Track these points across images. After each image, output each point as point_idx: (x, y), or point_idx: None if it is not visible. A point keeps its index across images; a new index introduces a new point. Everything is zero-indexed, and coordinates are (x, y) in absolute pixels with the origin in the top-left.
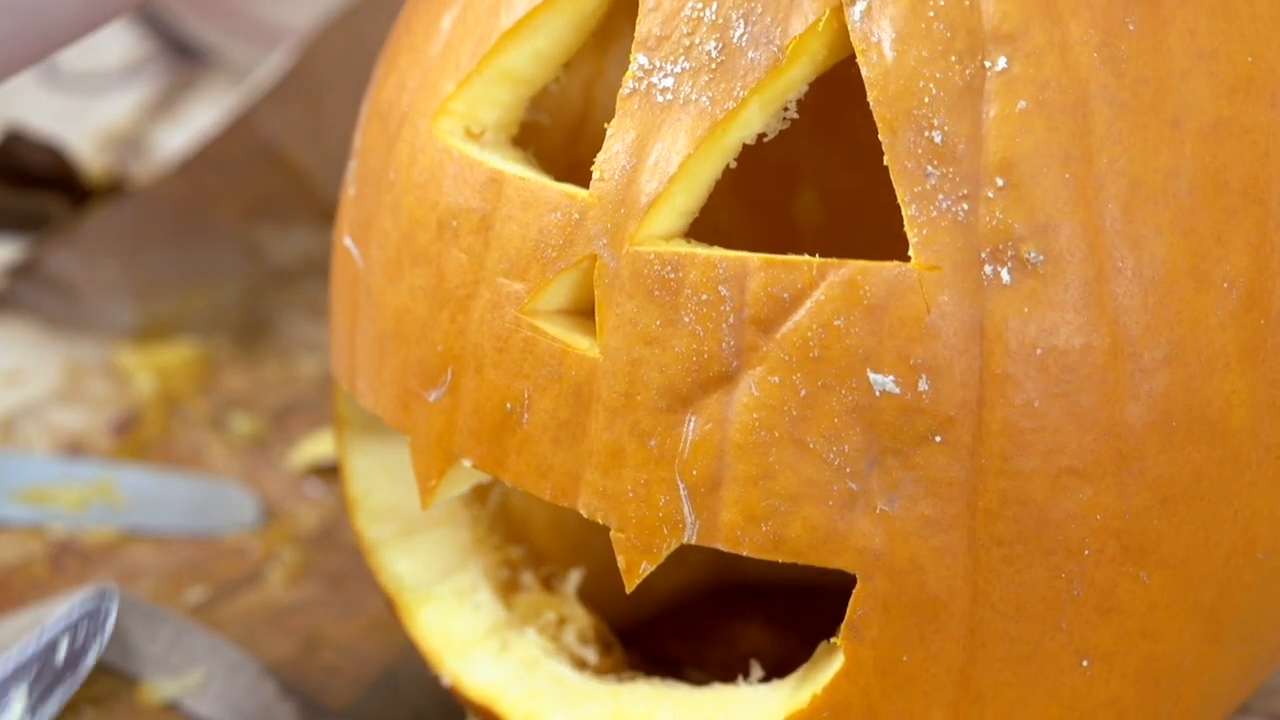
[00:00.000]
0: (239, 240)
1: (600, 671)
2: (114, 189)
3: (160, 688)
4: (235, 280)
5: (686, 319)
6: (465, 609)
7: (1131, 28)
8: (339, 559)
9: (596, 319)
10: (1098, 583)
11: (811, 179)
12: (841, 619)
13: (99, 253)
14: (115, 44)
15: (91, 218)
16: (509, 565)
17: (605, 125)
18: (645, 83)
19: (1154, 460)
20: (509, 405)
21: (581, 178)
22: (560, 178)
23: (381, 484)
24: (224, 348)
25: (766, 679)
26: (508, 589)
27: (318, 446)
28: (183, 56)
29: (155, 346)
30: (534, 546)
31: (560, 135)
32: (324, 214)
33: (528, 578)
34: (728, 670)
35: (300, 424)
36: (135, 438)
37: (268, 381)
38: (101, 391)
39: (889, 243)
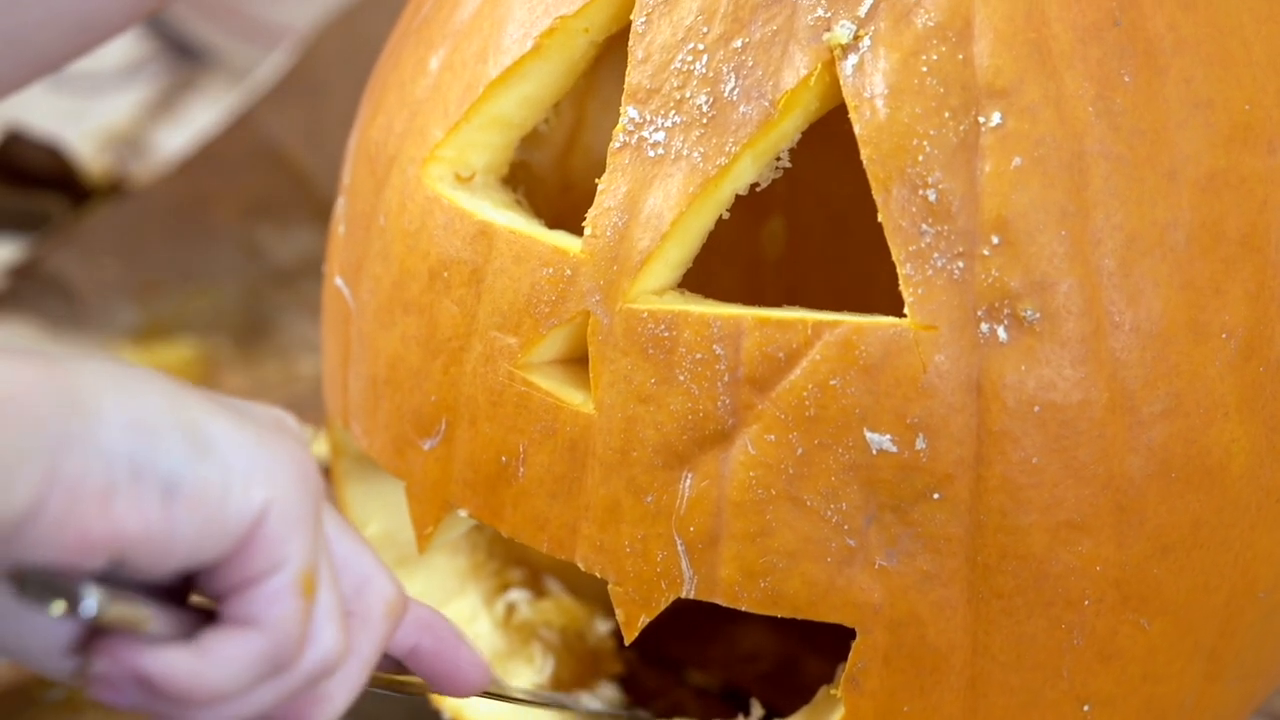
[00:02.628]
0: (239, 240)
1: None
2: (114, 189)
3: None
4: (235, 280)
5: (681, 377)
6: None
7: (1127, 79)
8: None
9: (591, 374)
10: (1098, 631)
11: (782, 207)
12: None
13: (99, 253)
14: (115, 44)
15: (91, 218)
16: (507, 588)
17: (596, 180)
18: (636, 136)
19: (1153, 511)
20: (504, 458)
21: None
22: (553, 207)
23: (377, 512)
24: (224, 348)
25: (767, 717)
26: (507, 615)
27: (318, 446)
28: (183, 56)
29: (155, 346)
30: (534, 565)
31: (550, 170)
32: (324, 214)
33: (523, 605)
34: (728, 669)
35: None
36: None
37: (268, 381)
38: None
39: (862, 270)
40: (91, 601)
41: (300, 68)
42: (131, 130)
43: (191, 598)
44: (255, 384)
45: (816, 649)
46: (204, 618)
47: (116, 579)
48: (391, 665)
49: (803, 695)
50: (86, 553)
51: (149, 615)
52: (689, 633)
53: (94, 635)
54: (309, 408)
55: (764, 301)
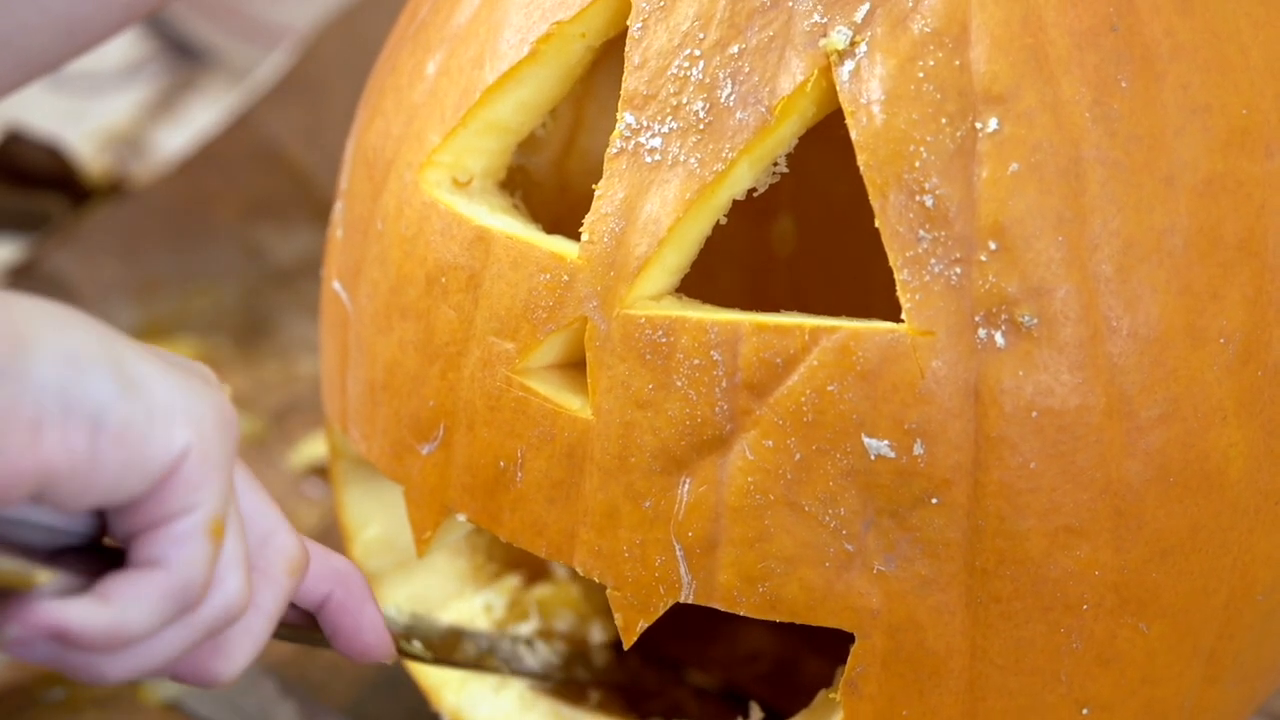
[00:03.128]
0: (239, 240)
1: (603, 709)
2: (114, 189)
3: (161, 687)
4: (235, 280)
5: (679, 383)
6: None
7: (1124, 85)
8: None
9: (588, 380)
10: (1096, 635)
11: (790, 205)
12: None
13: (99, 253)
14: (115, 44)
15: (91, 218)
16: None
17: (593, 186)
18: (633, 142)
19: (1152, 515)
20: (502, 463)
21: (573, 197)
22: (551, 209)
23: (377, 515)
24: (224, 348)
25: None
26: (506, 617)
27: (318, 446)
28: (183, 56)
29: (155, 346)
30: (535, 567)
31: (548, 172)
32: (324, 214)
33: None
34: (728, 670)
35: (300, 424)
36: None
37: (268, 381)
38: None
39: (866, 270)
40: None
41: (300, 68)
42: (131, 130)
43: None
44: (255, 384)
45: (816, 649)
46: (93, 561)
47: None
48: (306, 622)
49: (803, 695)
50: (12, 484)
51: (35, 570)
52: (689, 633)
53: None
54: (309, 408)
55: (774, 301)
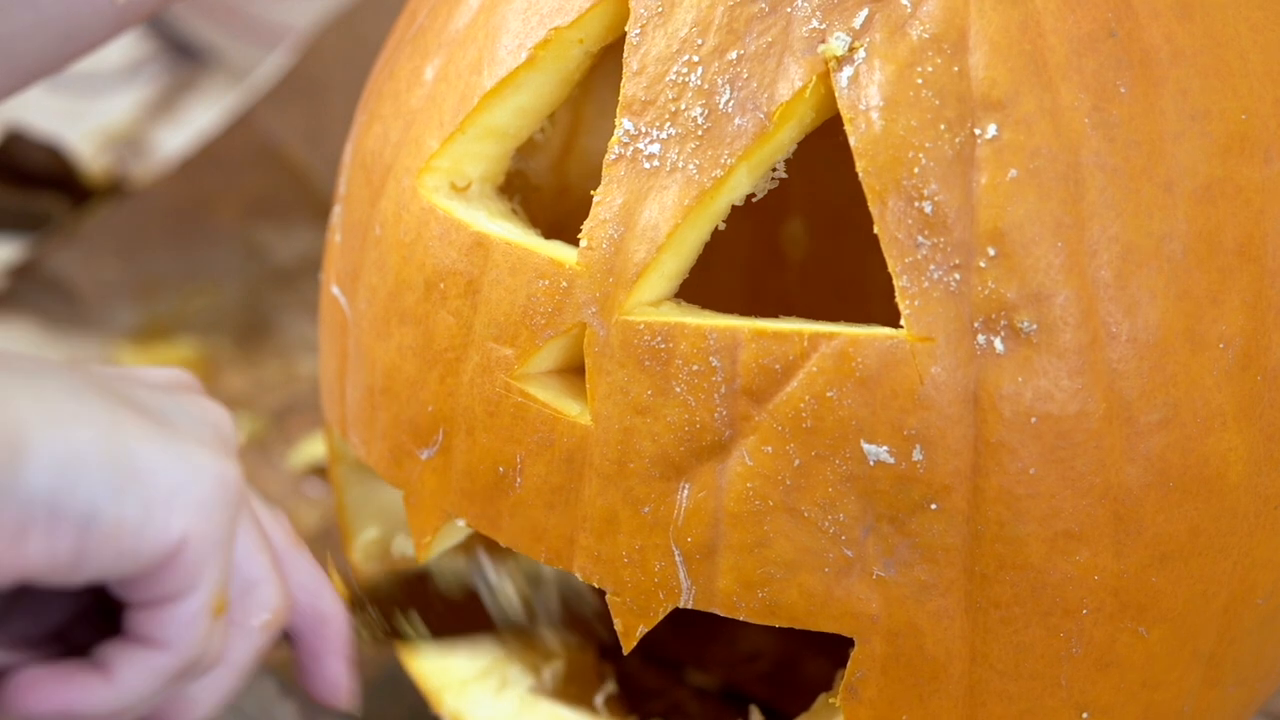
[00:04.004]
0: (239, 240)
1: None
2: (114, 189)
3: None
4: (235, 280)
5: (678, 389)
6: (463, 645)
7: (1123, 91)
8: (339, 557)
9: (587, 385)
10: (1096, 639)
11: (800, 206)
12: None
13: (99, 253)
14: (115, 44)
15: (91, 218)
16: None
17: (592, 192)
18: (631, 148)
19: (1151, 520)
20: (501, 469)
21: (572, 199)
22: (550, 212)
23: (376, 518)
24: (224, 348)
25: None
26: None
27: (318, 446)
28: (183, 56)
29: (155, 346)
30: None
31: (547, 175)
32: (324, 214)
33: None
34: (728, 669)
35: (300, 424)
36: None
37: (268, 381)
38: None
39: (871, 272)
40: None
41: (300, 68)
42: (131, 130)
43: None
44: (255, 384)
45: (817, 649)
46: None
47: None
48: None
49: (803, 695)
50: None
51: (18, 660)
52: (689, 633)
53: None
54: (309, 408)
55: (779, 304)
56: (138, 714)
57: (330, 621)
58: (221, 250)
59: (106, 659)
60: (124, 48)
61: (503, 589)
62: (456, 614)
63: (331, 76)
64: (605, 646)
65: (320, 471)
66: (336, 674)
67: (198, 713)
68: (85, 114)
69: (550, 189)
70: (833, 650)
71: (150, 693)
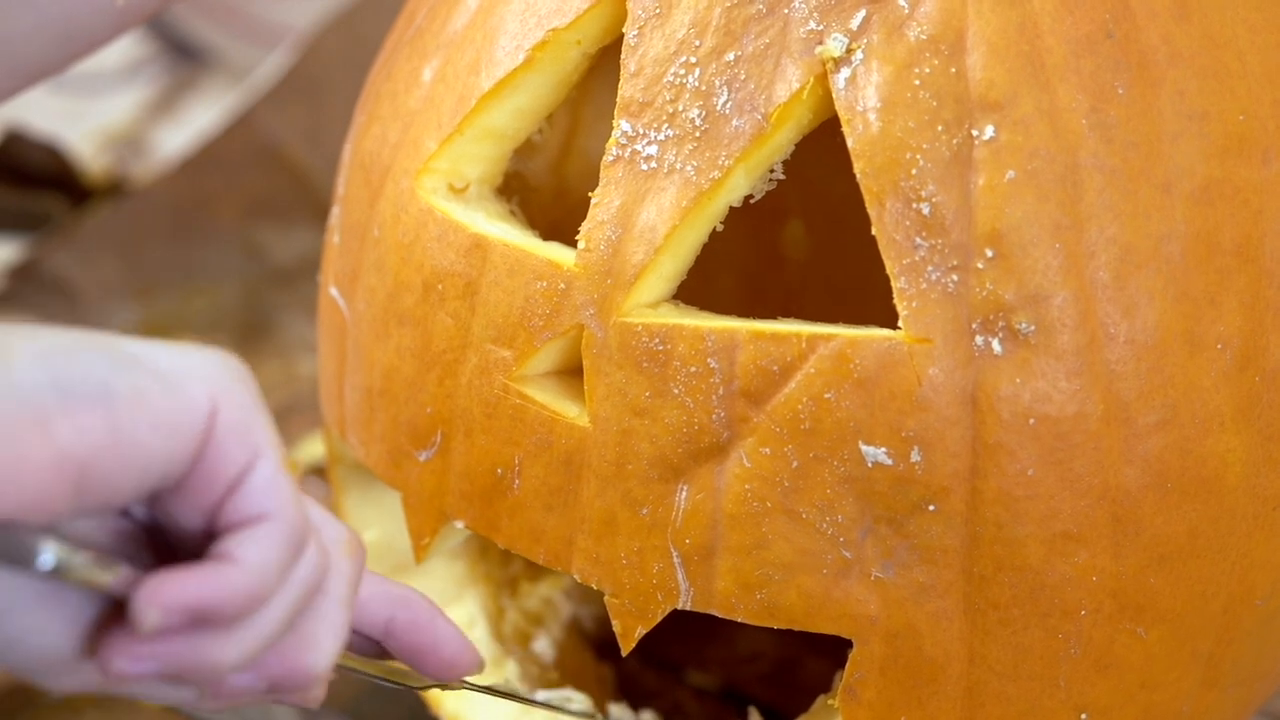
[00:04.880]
0: (239, 240)
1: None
2: (114, 189)
3: None
4: (235, 280)
5: (676, 390)
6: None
7: (1121, 92)
8: None
9: (585, 388)
10: (1095, 641)
11: (799, 209)
12: None
13: (99, 253)
14: (115, 44)
15: (91, 218)
16: (506, 586)
17: (590, 194)
18: (629, 150)
19: (1150, 521)
20: (499, 470)
21: (570, 200)
22: (549, 212)
23: (375, 519)
24: (224, 348)
25: None
26: (499, 617)
27: (318, 446)
28: (183, 56)
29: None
30: (534, 568)
31: (545, 175)
32: (324, 214)
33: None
34: (728, 670)
35: (300, 424)
36: None
37: (268, 381)
38: None
39: (874, 272)
40: (48, 555)
41: (300, 68)
42: (131, 130)
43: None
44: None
45: (816, 650)
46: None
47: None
48: (375, 652)
49: (803, 695)
50: (44, 486)
51: (113, 562)
52: (688, 633)
53: (114, 604)
54: (309, 408)
55: (777, 305)
56: (278, 622)
57: (410, 595)
58: (221, 250)
59: (221, 552)
60: (124, 48)
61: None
62: None
63: (331, 76)
64: (605, 647)
65: (320, 471)
66: (450, 634)
67: (323, 653)
68: (85, 114)
69: (548, 190)
70: (832, 651)
71: (275, 567)
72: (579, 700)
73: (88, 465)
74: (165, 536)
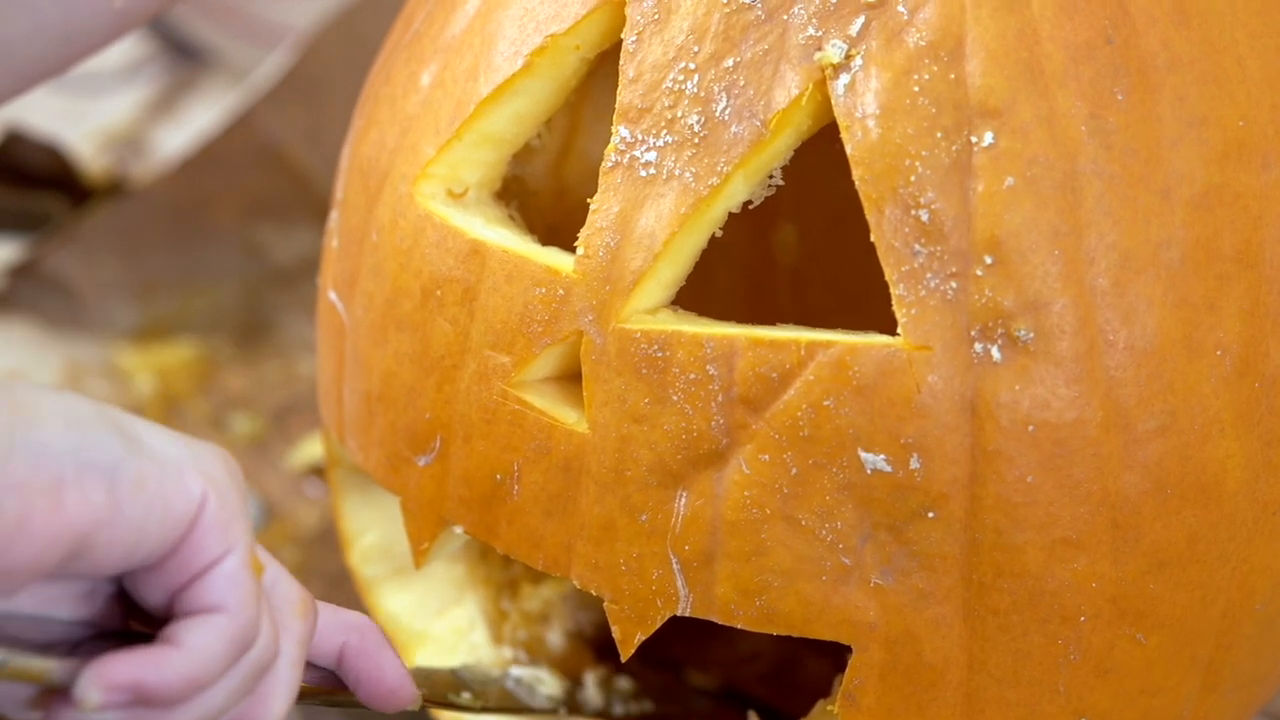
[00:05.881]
0: (239, 240)
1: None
2: (114, 189)
3: None
4: (235, 280)
5: (675, 397)
6: (461, 649)
7: (1120, 98)
8: (339, 559)
9: (584, 394)
10: (1094, 646)
11: (791, 213)
12: None
13: (99, 253)
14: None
15: (91, 218)
16: (506, 589)
17: (588, 200)
18: (628, 156)
19: (1149, 527)
20: (498, 476)
21: (570, 201)
22: (547, 215)
23: (375, 523)
24: (224, 348)
25: None
26: (499, 620)
27: (318, 446)
28: (183, 56)
29: (155, 346)
30: (533, 570)
31: (545, 177)
32: (324, 214)
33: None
34: (728, 670)
35: (300, 424)
36: None
37: (268, 381)
38: (101, 391)
39: (868, 276)
40: None
41: (300, 68)
42: (131, 130)
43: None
44: (255, 384)
45: (816, 650)
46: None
47: (8, 637)
48: (330, 683)
49: (802, 696)
50: (47, 547)
51: (51, 665)
52: (689, 633)
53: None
54: (309, 408)
55: (777, 307)
56: (221, 705)
57: (362, 623)
58: (221, 250)
59: (170, 635)
60: (124, 48)
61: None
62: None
63: (331, 76)
64: (605, 649)
65: (320, 471)
66: (394, 665)
67: (276, 707)
68: (85, 114)
69: (548, 191)
70: (832, 652)
71: (220, 658)
72: (549, 682)
73: (86, 536)
74: (129, 601)
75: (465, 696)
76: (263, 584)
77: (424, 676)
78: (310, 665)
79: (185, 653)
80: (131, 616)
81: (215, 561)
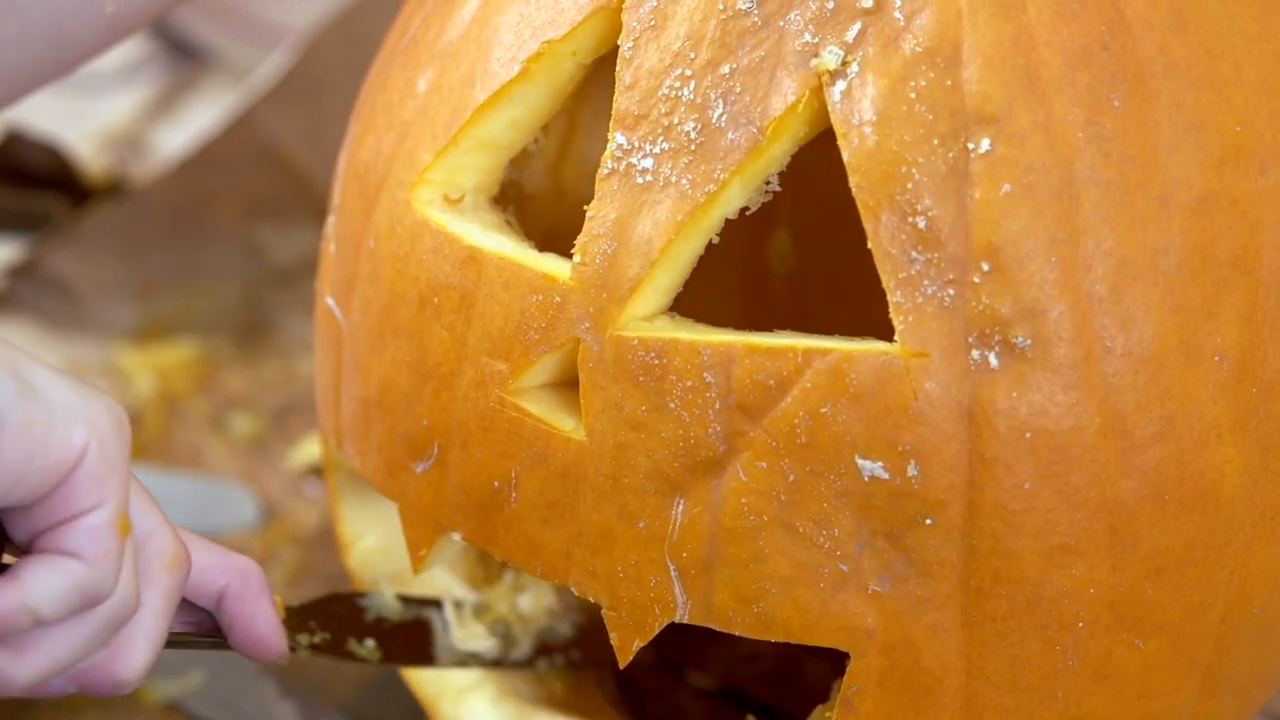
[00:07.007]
0: (239, 240)
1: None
2: (114, 189)
3: (161, 687)
4: (235, 280)
5: (672, 405)
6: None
7: (1117, 104)
8: (339, 559)
9: (581, 401)
10: (1092, 652)
11: (788, 219)
12: None
13: (99, 253)
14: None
15: (91, 218)
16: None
17: (585, 207)
18: (624, 163)
19: (1147, 533)
20: (496, 484)
21: (568, 203)
22: (544, 219)
23: (373, 526)
24: (224, 348)
25: None
26: (500, 620)
27: (318, 446)
28: (183, 56)
29: (155, 346)
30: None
31: (543, 181)
32: (324, 214)
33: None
34: (728, 670)
35: (300, 424)
36: (135, 438)
37: (268, 381)
38: None
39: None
40: None
41: (300, 68)
42: (131, 130)
43: None
44: (255, 384)
45: (816, 651)
46: None
47: None
48: (209, 626)
49: (803, 696)
50: None
51: None
52: (689, 633)
53: None
54: (309, 408)
55: (775, 311)
56: (68, 652)
57: (248, 569)
58: (221, 250)
59: (12, 570)
60: (124, 48)
61: (465, 628)
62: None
63: (331, 77)
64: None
65: (320, 471)
66: (268, 615)
67: (132, 666)
68: (85, 114)
69: (546, 195)
70: (832, 653)
71: (60, 601)
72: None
73: None
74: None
75: (369, 645)
76: (131, 541)
77: (330, 615)
78: (191, 606)
79: (21, 583)
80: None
81: (82, 512)
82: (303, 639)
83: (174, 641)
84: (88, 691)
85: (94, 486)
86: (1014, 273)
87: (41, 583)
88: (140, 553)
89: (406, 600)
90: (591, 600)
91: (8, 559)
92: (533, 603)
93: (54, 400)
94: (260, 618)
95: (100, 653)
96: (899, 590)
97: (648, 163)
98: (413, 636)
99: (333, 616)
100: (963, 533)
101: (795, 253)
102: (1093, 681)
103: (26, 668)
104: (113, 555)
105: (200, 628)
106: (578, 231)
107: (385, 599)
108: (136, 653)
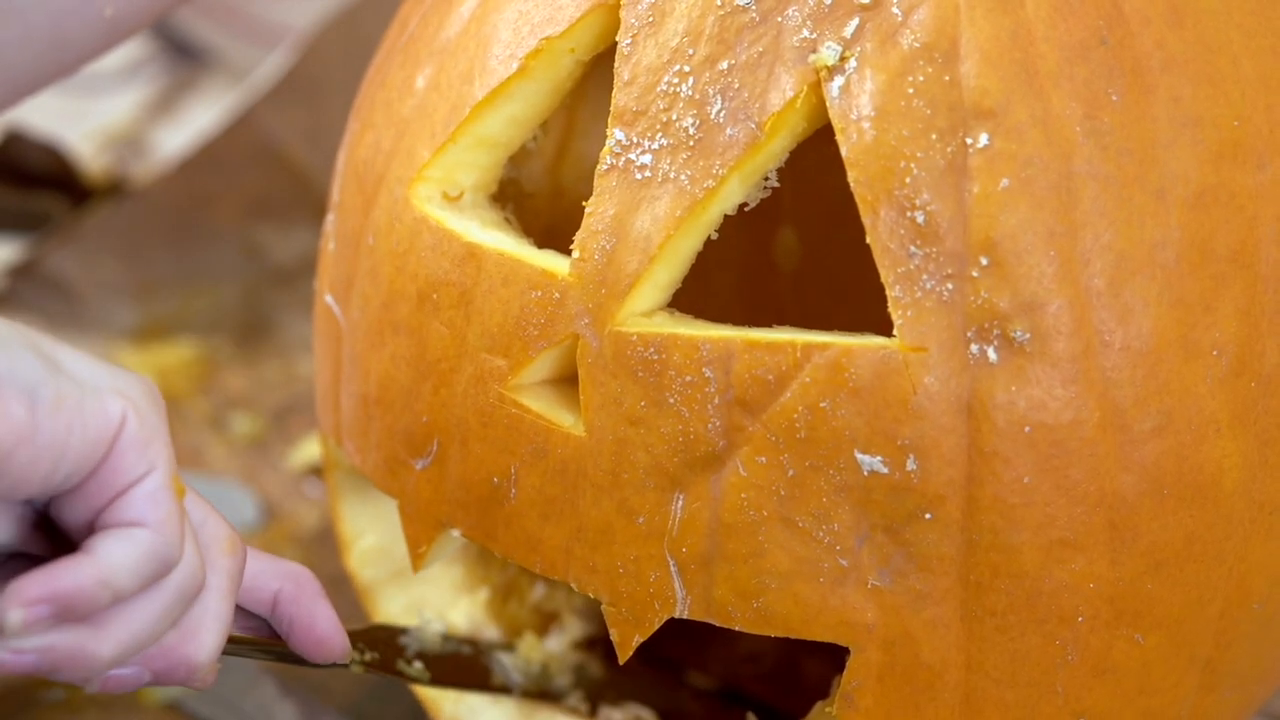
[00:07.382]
0: (239, 240)
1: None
2: (114, 189)
3: (161, 687)
4: (235, 280)
5: (671, 400)
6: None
7: (1114, 99)
8: (339, 559)
9: (581, 397)
10: (1092, 647)
11: (791, 216)
12: None
13: (99, 253)
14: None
15: (91, 218)
16: (507, 589)
17: (583, 203)
18: (623, 159)
19: (1146, 528)
20: (495, 479)
21: (567, 201)
22: (543, 217)
23: (373, 525)
24: (224, 348)
25: None
26: (500, 620)
27: (318, 446)
28: (183, 56)
29: (155, 346)
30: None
31: (542, 179)
32: (323, 213)
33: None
34: (728, 670)
35: (300, 424)
36: None
37: (268, 381)
38: None
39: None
40: None
41: (300, 68)
42: (131, 130)
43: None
44: (255, 384)
45: (816, 649)
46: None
47: None
48: (264, 633)
49: (802, 696)
50: None
51: None
52: (689, 633)
53: None
54: (309, 408)
55: (776, 307)
56: (146, 626)
57: (300, 572)
58: (221, 250)
59: (85, 546)
60: (124, 48)
61: (511, 665)
62: (455, 664)
63: (331, 76)
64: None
65: (320, 471)
66: (328, 616)
67: (204, 647)
68: (85, 114)
69: (545, 193)
70: (832, 652)
71: (135, 571)
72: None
73: (8, 453)
74: (55, 526)
75: (417, 666)
76: (187, 510)
77: (376, 640)
78: (245, 613)
79: (96, 558)
80: (60, 551)
81: (136, 480)
82: (355, 654)
83: (232, 648)
84: (162, 679)
85: (140, 453)
86: (1012, 267)
87: (115, 554)
88: (196, 537)
89: (447, 637)
90: (591, 595)
91: None
92: (560, 641)
93: (82, 375)
94: (320, 618)
95: (170, 636)
96: (898, 585)
97: (646, 159)
98: (459, 662)
99: (378, 640)
100: (962, 527)
101: (801, 249)
102: (1092, 676)
103: (109, 641)
104: (175, 518)
105: (256, 635)
106: (576, 229)
107: (427, 633)
108: (206, 633)
